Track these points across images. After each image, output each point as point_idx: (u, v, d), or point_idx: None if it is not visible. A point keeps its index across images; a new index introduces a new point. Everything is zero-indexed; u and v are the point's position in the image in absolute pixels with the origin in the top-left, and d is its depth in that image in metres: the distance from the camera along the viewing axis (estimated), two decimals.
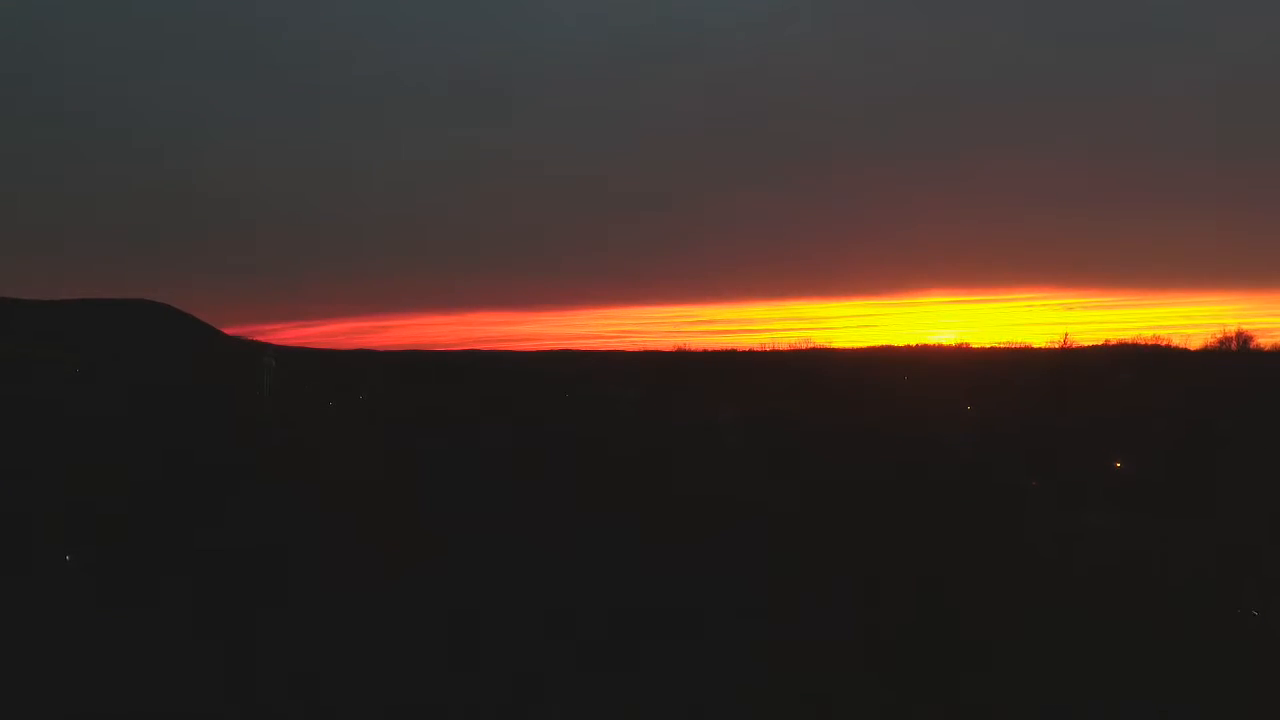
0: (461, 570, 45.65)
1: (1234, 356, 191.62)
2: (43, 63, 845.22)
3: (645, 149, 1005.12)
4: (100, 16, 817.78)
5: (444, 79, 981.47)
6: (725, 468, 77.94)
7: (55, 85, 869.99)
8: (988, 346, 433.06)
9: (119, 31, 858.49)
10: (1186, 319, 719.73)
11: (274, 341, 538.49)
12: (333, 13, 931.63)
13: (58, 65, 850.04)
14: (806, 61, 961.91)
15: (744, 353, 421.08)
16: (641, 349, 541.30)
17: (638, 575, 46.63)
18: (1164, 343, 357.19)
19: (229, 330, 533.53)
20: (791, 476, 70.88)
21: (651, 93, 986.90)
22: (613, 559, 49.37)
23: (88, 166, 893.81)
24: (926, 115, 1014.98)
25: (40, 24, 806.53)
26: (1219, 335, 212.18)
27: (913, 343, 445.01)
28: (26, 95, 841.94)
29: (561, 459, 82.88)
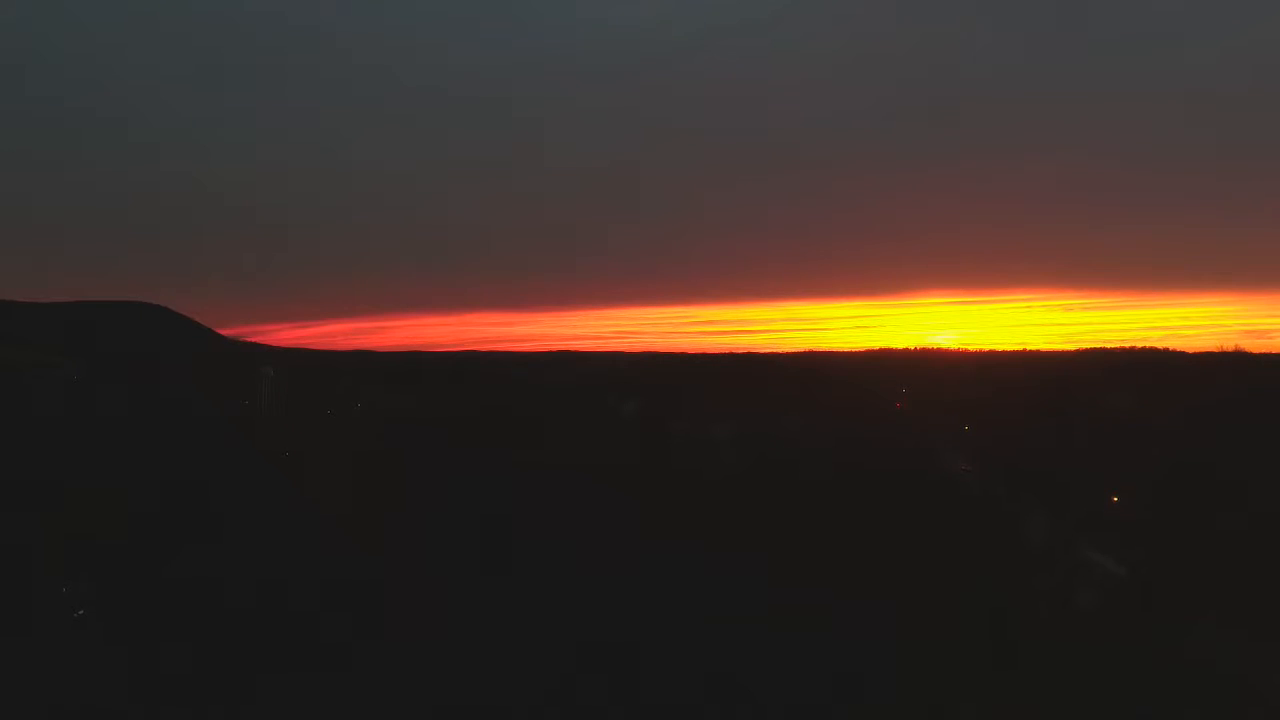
0: (461, 622, 45.46)
1: (1232, 371, 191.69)
2: (41, 65, 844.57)
3: (645, 149, 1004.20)
4: (98, 18, 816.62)
5: (444, 80, 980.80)
6: (723, 488, 77.56)
7: (55, 87, 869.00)
8: (987, 350, 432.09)
9: (118, 33, 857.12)
10: (1185, 320, 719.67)
11: (272, 343, 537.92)
12: (333, 14, 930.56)
13: (57, 67, 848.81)
14: (808, 63, 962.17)
15: (743, 355, 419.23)
16: (641, 350, 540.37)
17: (637, 594, 46.60)
18: (1162, 348, 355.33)
19: (227, 331, 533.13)
20: (789, 502, 70.54)
21: (652, 93, 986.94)
22: (615, 579, 49.31)
23: (86, 168, 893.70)
24: (926, 116, 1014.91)
25: (40, 26, 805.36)
26: (1218, 347, 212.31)
27: (912, 345, 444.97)
28: (25, 97, 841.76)
29: (561, 481, 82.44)
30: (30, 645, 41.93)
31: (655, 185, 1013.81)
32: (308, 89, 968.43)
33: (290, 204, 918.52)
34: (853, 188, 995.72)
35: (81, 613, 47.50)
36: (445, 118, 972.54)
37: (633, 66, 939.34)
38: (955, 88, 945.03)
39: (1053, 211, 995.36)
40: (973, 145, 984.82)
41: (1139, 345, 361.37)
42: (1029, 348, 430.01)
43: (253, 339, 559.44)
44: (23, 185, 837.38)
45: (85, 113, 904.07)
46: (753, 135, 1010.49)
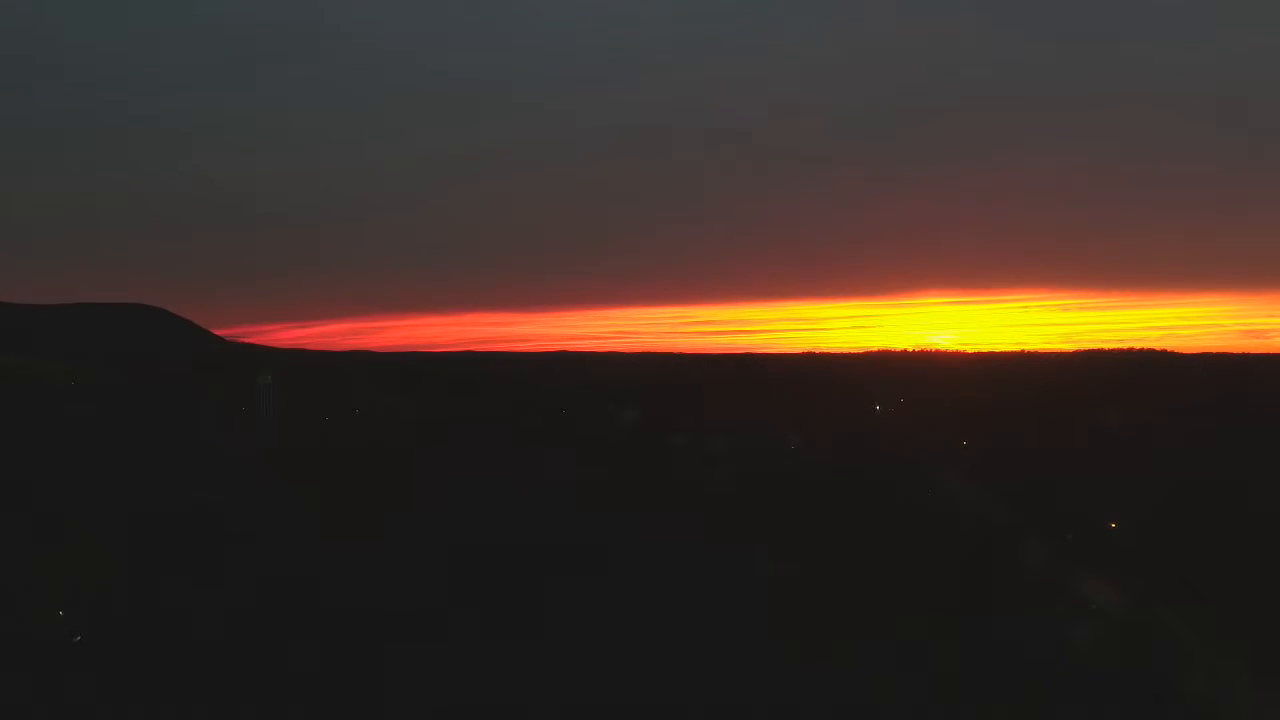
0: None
1: (1232, 372, 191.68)
2: (42, 67, 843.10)
3: (645, 149, 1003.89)
4: (99, 21, 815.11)
5: (443, 80, 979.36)
6: (718, 505, 77.38)
7: (54, 88, 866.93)
8: (985, 351, 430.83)
9: (118, 36, 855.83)
10: (1183, 320, 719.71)
11: (271, 343, 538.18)
12: (333, 14, 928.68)
13: (57, 68, 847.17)
14: (806, 63, 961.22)
15: (742, 356, 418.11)
16: (640, 350, 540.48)
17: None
18: (1160, 349, 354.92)
19: (226, 332, 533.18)
20: (786, 522, 70.34)
21: (651, 93, 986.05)
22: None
23: (86, 170, 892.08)
24: (925, 116, 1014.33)
25: (39, 27, 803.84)
26: (1217, 348, 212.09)
27: (911, 345, 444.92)
28: (25, 99, 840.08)
29: (562, 494, 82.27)
30: (25, 671, 41.73)
31: (654, 186, 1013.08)
32: (307, 88, 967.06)
33: (289, 204, 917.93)
34: (852, 188, 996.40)
35: (79, 638, 47.17)
36: (445, 118, 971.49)
37: (632, 67, 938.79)
38: (955, 88, 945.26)
39: (1051, 212, 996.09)
40: (972, 145, 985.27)
41: (1137, 346, 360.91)
42: (1027, 348, 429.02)
43: (251, 339, 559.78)
44: (20, 187, 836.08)
45: (83, 113, 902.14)
46: (751, 135, 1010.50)
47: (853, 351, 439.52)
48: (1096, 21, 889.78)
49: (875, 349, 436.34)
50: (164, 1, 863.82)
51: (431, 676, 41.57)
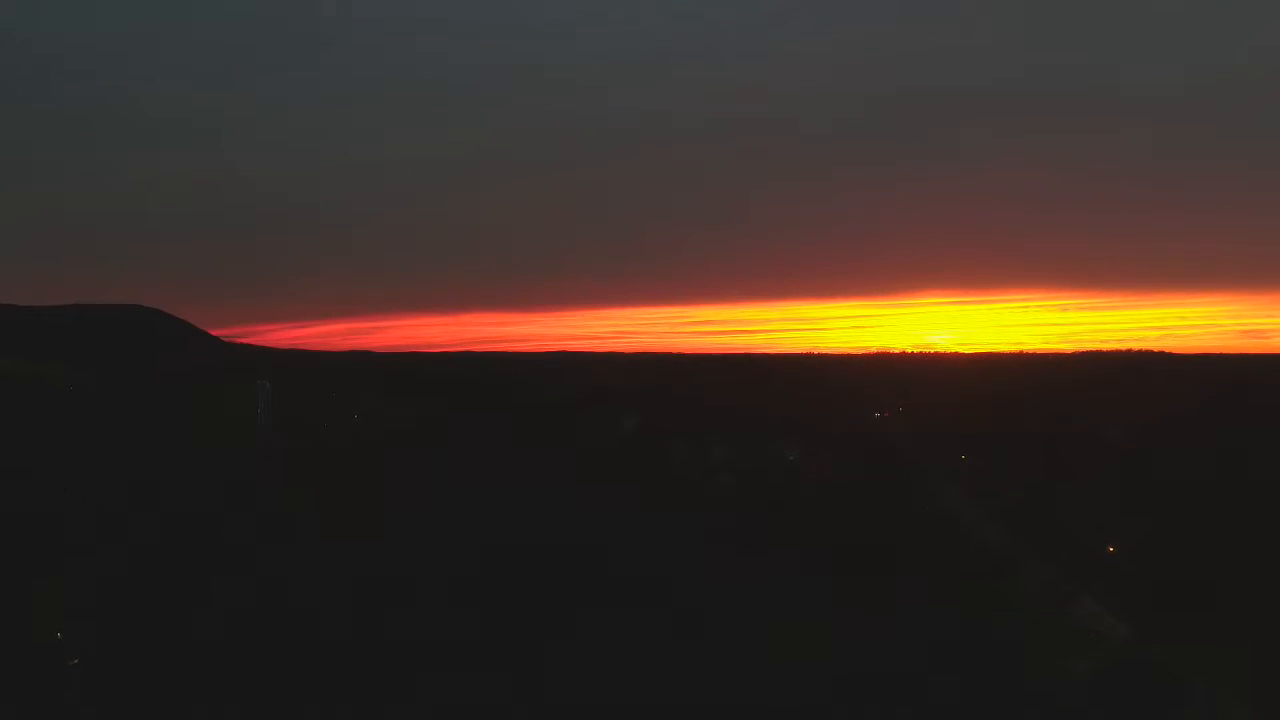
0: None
1: (1232, 372, 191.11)
2: (42, 68, 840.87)
3: (645, 149, 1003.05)
4: (97, 19, 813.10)
5: (442, 79, 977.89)
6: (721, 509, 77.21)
7: (51, 88, 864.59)
8: (984, 351, 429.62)
9: (117, 36, 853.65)
10: (1182, 320, 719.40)
11: (268, 343, 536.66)
12: (332, 15, 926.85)
13: (56, 69, 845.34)
14: (807, 63, 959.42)
15: (742, 356, 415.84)
16: (639, 350, 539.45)
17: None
18: (1159, 349, 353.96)
19: (225, 332, 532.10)
20: (786, 523, 70.19)
21: (651, 94, 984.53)
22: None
23: (85, 170, 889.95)
24: (926, 117, 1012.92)
25: (37, 29, 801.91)
26: (1216, 348, 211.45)
27: (910, 346, 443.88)
28: (25, 99, 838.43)
29: (564, 499, 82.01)
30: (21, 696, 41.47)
31: (654, 186, 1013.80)
32: (306, 90, 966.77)
33: (287, 204, 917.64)
34: (852, 188, 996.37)
35: (76, 661, 46.23)
36: (443, 118, 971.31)
37: (632, 67, 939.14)
38: (955, 88, 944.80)
39: (1051, 212, 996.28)
40: (972, 146, 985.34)
41: (1136, 346, 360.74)
42: (1027, 349, 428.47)
43: (248, 340, 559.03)
44: (20, 187, 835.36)
45: (82, 115, 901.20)
46: (752, 135, 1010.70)
47: (853, 352, 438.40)
48: (1097, 25, 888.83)
49: (875, 349, 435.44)
50: (165, 3, 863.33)
51: (430, 676, 41.56)
